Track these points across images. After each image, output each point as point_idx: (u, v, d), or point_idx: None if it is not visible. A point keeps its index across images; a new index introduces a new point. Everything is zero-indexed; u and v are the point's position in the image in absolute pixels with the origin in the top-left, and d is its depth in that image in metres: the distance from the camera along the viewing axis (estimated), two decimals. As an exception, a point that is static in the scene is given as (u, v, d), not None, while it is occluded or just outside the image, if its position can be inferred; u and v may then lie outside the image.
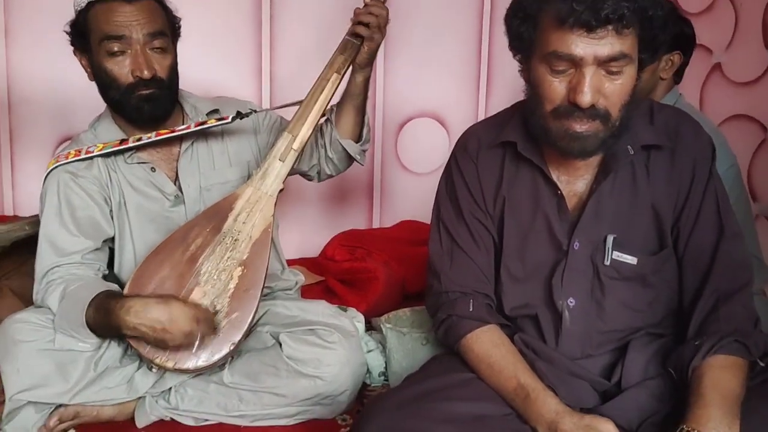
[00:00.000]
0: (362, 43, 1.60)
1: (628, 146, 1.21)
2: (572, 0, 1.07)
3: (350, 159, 1.74)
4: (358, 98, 1.67)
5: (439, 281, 1.34)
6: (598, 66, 1.11)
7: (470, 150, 1.34)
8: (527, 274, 1.29)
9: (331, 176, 1.79)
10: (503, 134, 1.30)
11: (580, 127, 1.14)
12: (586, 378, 1.24)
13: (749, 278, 1.22)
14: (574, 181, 1.26)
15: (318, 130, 1.70)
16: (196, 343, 1.41)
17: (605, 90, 1.13)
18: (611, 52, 1.10)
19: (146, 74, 1.50)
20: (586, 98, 1.11)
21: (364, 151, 1.75)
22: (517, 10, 1.18)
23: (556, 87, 1.14)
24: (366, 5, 1.61)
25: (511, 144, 1.29)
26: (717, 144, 1.78)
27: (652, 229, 1.24)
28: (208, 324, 1.41)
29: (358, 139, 1.72)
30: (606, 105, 1.14)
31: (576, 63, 1.11)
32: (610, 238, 1.22)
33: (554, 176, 1.26)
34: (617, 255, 1.22)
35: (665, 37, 1.15)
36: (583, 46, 1.09)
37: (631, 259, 1.23)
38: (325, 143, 1.71)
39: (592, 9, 1.06)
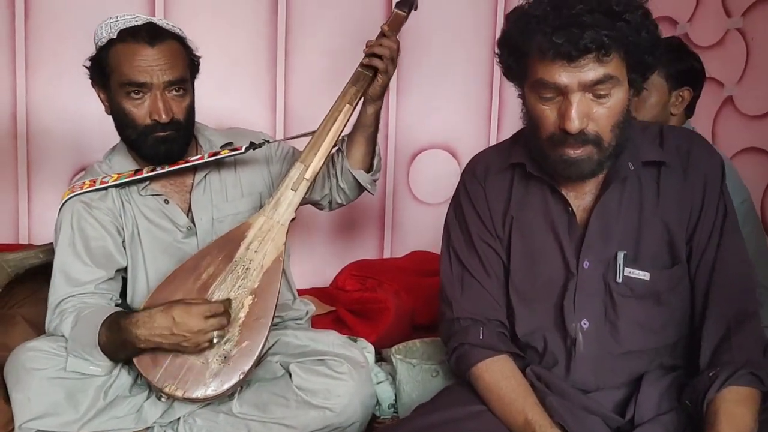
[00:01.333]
0: (375, 75, 1.62)
1: (629, 162, 1.22)
2: (551, 33, 1.09)
3: (361, 188, 1.75)
4: (369, 129, 1.68)
5: (451, 309, 1.34)
6: (584, 91, 1.13)
7: (478, 174, 1.35)
8: (537, 295, 1.28)
9: (341, 205, 1.80)
10: (511, 157, 1.31)
11: (574, 152, 1.16)
12: (599, 413, 1.22)
13: (757, 302, 1.22)
14: (581, 197, 1.27)
15: (330, 160, 1.71)
16: (214, 338, 1.39)
17: (594, 114, 1.14)
18: (595, 77, 1.11)
19: (164, 118, 1.51)
20: (574, 125, 1.13)
21: (375, 180, 1.77)
22: (504, 42, 1.21)
23: (548, 114, 1.17)
24: (378, 38, 1.63)
25: (520, 166, 1.30)
26: (729, 178, 1.78)
27: (663, 244, 1.23)
28: (221, 316, 1.39)
29: (369, 169, 1.74)
30: (596, 129, 1.15)
31: (562, 91, 1.13)
32: (620, 255, 1.22)
33: (563, 192, 1.26)
34: (629, 271, 1.22)
35: (654, 59, 1.16)
36: (567, 74, 1.12)
37: (643, 275, 1.22)
38: (336, 173, 1.72)
39: (571, 41, 1.08)
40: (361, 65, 1.64)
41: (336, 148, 1.70)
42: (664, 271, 1.22)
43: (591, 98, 1.14)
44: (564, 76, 1.12)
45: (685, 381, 1.20)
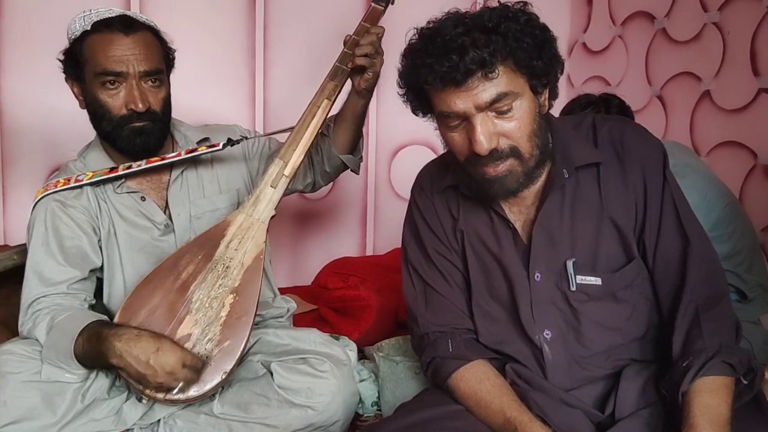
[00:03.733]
0: (364, 71, 1.61)
1: (564, 169, 1.21)
2: (432, 63, 1.10)
3: (345, 168, 1.77)
4: (360, 119, 1.70)
5: (418, 324, 1.34)
6: (485, 111, 1.12)
7: (426, 188, 1.36)
8: (495, 309, 1.28)
9: (322, 186, 1.84)
10: (447, 178, 1.31)
11: (493, 170, 1.16)
12: (580, 408, 1.22)
13: (725, 284, 1.21)
14: (525, 210, 1.26)
15: (313, 147, 1.71)
16: (177, 387, 1.39)
17: (502, 130, 1.13)
18: (489, 97, 1.11)
19: (140, 107, 1.50)
20: (482, 147, 1.12)
21: (360, 161, 1.80)
22: (401, 81, 1.22)
23: (458, 140, 1.17)
24: (357, 34, 1.61)
25: (456, 187, 1.30)
26: (709, 184, 1.80)
27: (614, 244, 1.22)
28: (193, 371, 1.39)
29: (353, 151, 1.75)
30: (509, 143, 1.14)
31: (463, 116, 1.13)
32: (570, 263, 1.21)
33: (505, 209, 1.26)
34: (581, 279, 1.21)
35: (543, 62, 1.14)
36: (460, 101, 1.11)
37: (595, 280, 1.21)
38: (322, 159, 1.73)
39: (452, 66, 1.08)
40: (339, 60, 1.62)
41: (321, 132, 1.70)
42: (616, 273, 1.21)
43: (494, 116, 1.13)
44: (458, 102, 1.11)
45: (664, 374, 1.19)
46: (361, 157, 1.80)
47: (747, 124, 2.27)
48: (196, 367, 1.39)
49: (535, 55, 1.12)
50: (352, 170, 1.78)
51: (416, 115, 1.26)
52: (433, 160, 1.42)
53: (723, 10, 2.34)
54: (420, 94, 1.20)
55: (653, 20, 2.61)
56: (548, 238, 1.22)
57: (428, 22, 1.17)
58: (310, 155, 1.73)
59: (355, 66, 1.60)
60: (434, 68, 1.10)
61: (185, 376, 1.37)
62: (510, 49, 1.10)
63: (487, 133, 1.12)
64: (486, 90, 1.10)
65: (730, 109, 2.33)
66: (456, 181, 1.29)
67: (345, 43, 1.63)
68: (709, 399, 1.09)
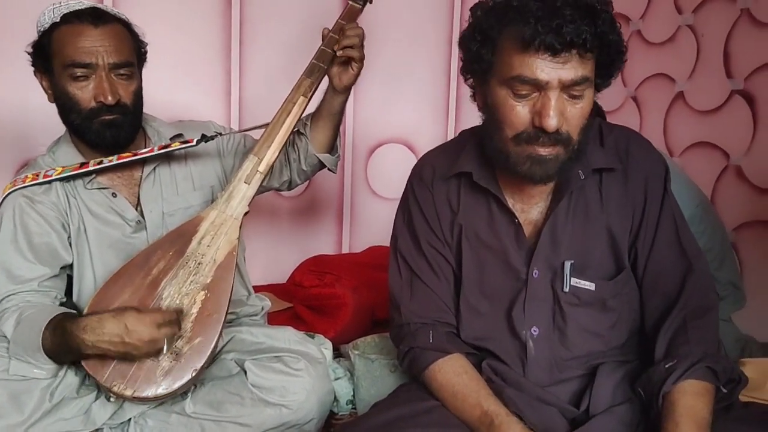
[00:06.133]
0: (329, 67, 1.60)
1: (580, 171, 1.21)
2: (536, 23, 1.06)
3: (322, 167, 1.76)
4: (338, 117, 1.69)
5: (400, 313, 1.33)
6: (561, 90, 1.11)
7: (425, 178, 1.33)
8: (486, 303, 1.28)
9: (299, 185, 1.83)
10: (458, 165, 1.29)
11: (544, 150, 1.14)
12: (556, 405, 1.22)
13: (715, 298, 1.22)
14: (528, 209, 1.26)
15: (289, 145, 1.69)
16: (164, 348, 1.37)
17: (567, 114, 1.12)
18: (575, 77, 1.10)
19: (110, 100, 1.48)
20: (552, 122, 1.10)
21: (337, 159, 1.79)
22: (475, 33, 1.17)
23: (519, 111, 1.13)
24: (336, 31, 1.60)
25: (467, 174, 1.28)
26: (681, 184, 1.82)
27: (608, 252, 1.23)
28: (173, 325, 1.37)
29: (331, 150, 1.74)
30: (568, 129, 1.13)
31: (540, 87, 1.10)
32: (567, 264, 1.22)
33: (510, 204, 1.25)
34: (575, 281, 1.22)
35: (621, 63, 1.15)
36: (548, 70, 1.09)
37: (589, 285, 1.22)
38: (299, 158, 1.72)
39: (556, 32, 1.06)
40: (316, 57, 1.61)
41: (296, 130, 1.69)
42: (609, 281, 1.22)
43: (566, 98, 1.12)
44: (545, 71, 1.08)
45: (640, 372, 1.20)
46: (339, 155, 1.79)
47: (720, 125, 2.31)
48: (172, 319, 1.37)
49: (619, 52, 1.13)
50: (329, 169, 1.77)
51: (463, 74, 1.22)
52: (434, 149, 1.40)
53: (697, 12, 2.37)
54: (488, 52, 1.15)
55: (629, 22, 2.63)
56: (552, 238, 1.23)
57: None
58: (286, 153, 1.72)
59: (345, 56, 1.58)
60: (536, 28, 1.05)
61: (165, 334, 1.35)
62: (605, 40, 1.10)
63: (558, 111, 1.10)
64: (575, 68, 1.09)
65: (703, 110, 2.36)
66: (469, 168, 1.26)
67: (323, 37, 1.62)
68: (693, 401, 1.10)
